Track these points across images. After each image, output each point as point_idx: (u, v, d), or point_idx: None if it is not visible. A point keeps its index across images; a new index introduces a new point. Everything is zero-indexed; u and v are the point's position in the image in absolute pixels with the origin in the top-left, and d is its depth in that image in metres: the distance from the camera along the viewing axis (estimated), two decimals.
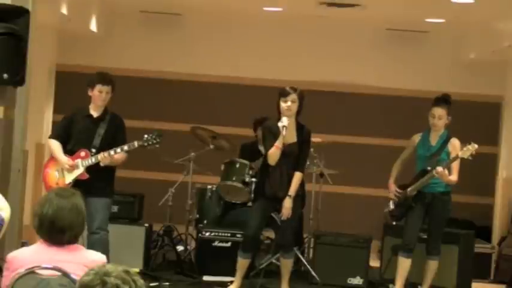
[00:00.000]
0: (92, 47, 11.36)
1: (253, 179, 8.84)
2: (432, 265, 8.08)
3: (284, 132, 7.52)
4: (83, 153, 7.40)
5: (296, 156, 7.69)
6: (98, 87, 7.43)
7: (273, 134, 7.67)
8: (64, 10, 8.85)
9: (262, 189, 7.77)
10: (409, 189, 7.94)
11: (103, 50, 11.42)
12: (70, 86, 10.41)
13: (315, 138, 9.43)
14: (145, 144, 7.37)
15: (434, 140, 7.99)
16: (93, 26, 10.27)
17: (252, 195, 8.65)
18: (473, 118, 11.14)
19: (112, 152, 7.29)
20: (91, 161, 7.35)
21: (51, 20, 9.27)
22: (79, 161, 7.39)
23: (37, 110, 9.40)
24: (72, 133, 7.49)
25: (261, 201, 7.80)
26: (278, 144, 7.58)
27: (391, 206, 8.12)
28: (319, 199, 9.70)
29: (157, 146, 7.41)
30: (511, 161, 10.50)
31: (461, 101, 11.03)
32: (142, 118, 11.08)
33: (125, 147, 7.32)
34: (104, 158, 7.29)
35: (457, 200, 9.37)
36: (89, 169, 7.37)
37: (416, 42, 11.37)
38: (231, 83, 11.44)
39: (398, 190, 8.03)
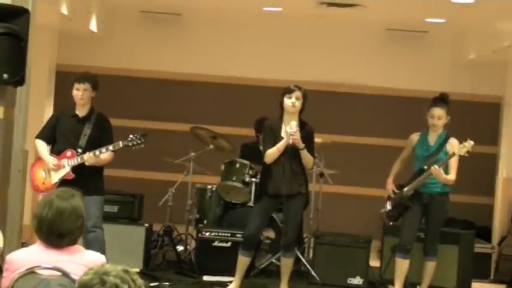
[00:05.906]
0: (92, 47, 11.35)
1: (253, 179, 8.85)
2: (430, 266, 8.06)
3: (291, 141, 7.50)
4: (69, 153, 7.39)
5: (299, 153, 7.68)
6: (75, 85, 7.52)
7: (274, 133, 7.66)
8: (64, 10, 8.85)
9: (265, 188, 7.75)
10: (405, 189, 7.92)
11: (103, 50, 11.42)
12: (70, 86, 10.38)
13: (315, 139, 9.44)
14: (130, 144, 7.36)
15: (432, 140, 7.96)
16: (93, 26, 10.26)
17: (253, 195, 8.67)
18: (473, 118, 11.13)
19: (97, 152, 7.28)
20: (77, 160, 7.35)
21: (51, 20, 9.26)
22: (65, 160, 7.39)
23: (37, 110, 9.40)
24: (58, 133, 7.50)
25: (263, 201, 7.78)
26: (280, 146, 7.57)
27: (389, 206, 8.09)
28: (319, 199, 9.69)
29: (142, 146, 7.41)
30: (511, 161, 10.49)
31: (461, 101, 11.03)
32: (141, 118, 11.07)
33: (110, 147, 7.32)
34: (89, 158, 7.28)
35: (457, 200, 9.38)
36: (76, 169, 7.36)
37: (416, 42, 11.37)
38: (231, 83, 11.43)
39: (395, 190, 8.02)
